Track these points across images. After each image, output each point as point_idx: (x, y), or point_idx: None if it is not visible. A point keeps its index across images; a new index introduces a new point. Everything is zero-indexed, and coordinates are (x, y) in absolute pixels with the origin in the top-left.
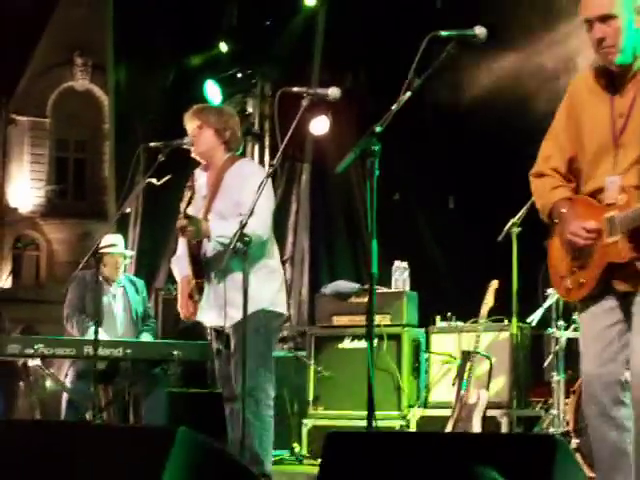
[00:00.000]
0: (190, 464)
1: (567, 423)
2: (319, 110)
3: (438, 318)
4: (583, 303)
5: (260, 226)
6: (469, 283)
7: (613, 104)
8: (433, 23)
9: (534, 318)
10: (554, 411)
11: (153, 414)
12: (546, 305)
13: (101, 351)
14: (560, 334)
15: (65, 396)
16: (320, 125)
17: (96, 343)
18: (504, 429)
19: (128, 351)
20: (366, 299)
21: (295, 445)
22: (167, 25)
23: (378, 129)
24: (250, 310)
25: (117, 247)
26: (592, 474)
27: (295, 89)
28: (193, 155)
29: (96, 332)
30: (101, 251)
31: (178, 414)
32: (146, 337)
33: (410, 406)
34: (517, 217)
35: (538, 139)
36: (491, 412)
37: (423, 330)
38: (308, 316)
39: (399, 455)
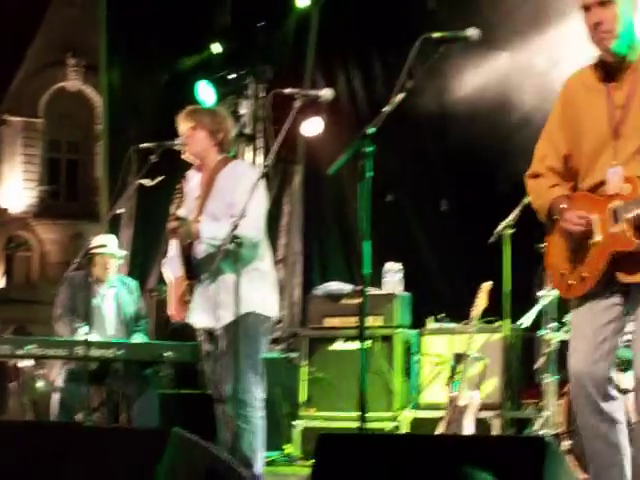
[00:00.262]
0: (182, 465)
1: (559, 425)
2: (312, 111)
3: (430, 320)
4: (581, 299)
5: (252, 228)
6: (461, 285)
7: (610, 96)
8: (426, 24)
9: (526, 320)
10: (546, 413)
11: (144, 415)
12: (538, 307)
13: (92, 352)
14: (552, 336)
15: (56, 397)
16: (313, 126)
17: (87, 344)
18: (496, 431)
19: (119, 352)
20: (358, 300)
21: (287, 446)
22: (160, 26)
23: (371, 130)
24: (240, 312)
25: (107, 247)
26: (584, 475)
27: (288, 90)
28: (185, 156)
29: (87, 333)
30: (91, 252)
31: (169, 415)
32: (138, 338)
33: (402, 408)
34: (509, 219)
35: (527, 138)
36: (483, 414)
37: (415, 332)
38: (300, 317)
39: (391, 457)
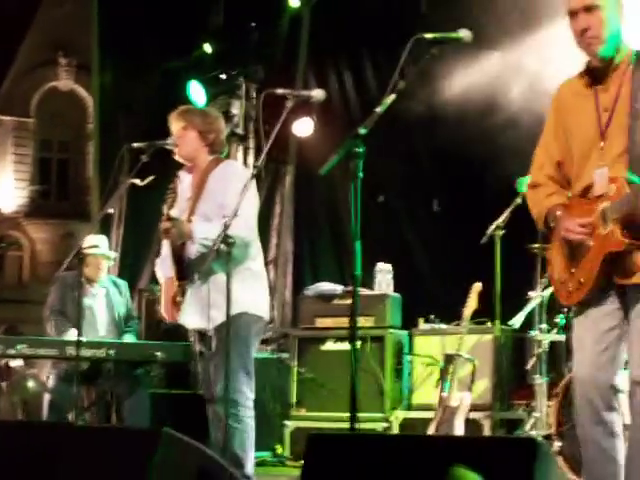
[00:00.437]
0: (173, 465)
1: (549, 426)
2: (303, 112)
3: (421, 320)
4: (582, 306)
5: (244, 228)
6: (452, 285)
7: (597, 99)
8: (418, 25)
9: (517, 321)
10: (536, 414)
11: (135, 415)
12: (529, 308)
13: (84, 352)
14: (543, 337)
15: (47, 397)
16: (304, 127)
17: (79, 344)
18: (486, 432)
19: (111, 352)
20: (349, 301)
21: (277, 447)
22: (152, 25)
23: (362, 131)
24: (232, 313)
25: (99, 248)
26: (574, 477)
27: (279, 91)
28: (176, 156)
29: (79, 333)
30: (83, 252)
31: (161, 415)
32: (129, 339)
33: (393, 408)
34: (500, 220)
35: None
36: (473, 414)
37: (406, 332)
38: (291, 318)
39: (381, 457)
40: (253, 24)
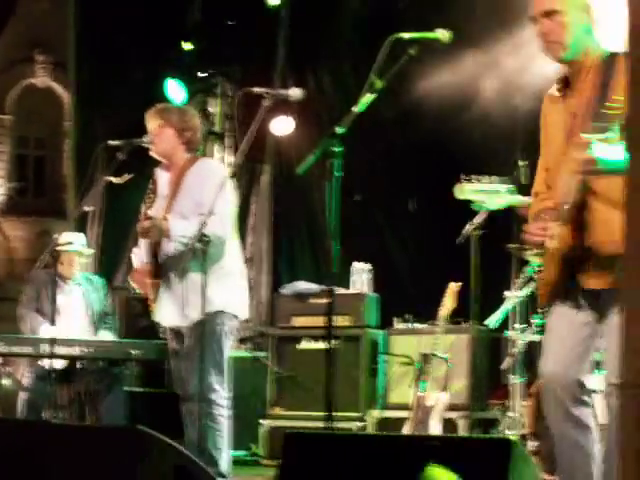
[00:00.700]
0: (148, 464)
1: (524, 426)
2: (281, 111)
3: (398, 320)
4: (555, 304)
5: (220, 226)
6: (429, 285)
7: (566, 105)
8: (395, 24)
9: (493, 321)
10: (512, 414)
11: (111, 413)
12: (505, 308)
13: (59, 350)
14: (518, 337)
15: (22, 395)
16: (282, 126)
17: (54, 342)
18: (462, 431)
19: (86, 350)
20: (326, 300)
21: (253, 446)
22: (130, 23)
23: (339, 130)
24: (207, 311)
25: (73, 245)
26: (549, 477)
27: (257, 89)
28: (152, 154)
29: (54, 331)
30: (57, 249)
31: (136, 414)
32: (105, 335)
33: (369, 407)
34: (476, 220)
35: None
36: (449, 414)
37: (383, 332)
38: (267, 316)
39: (357, 457)
40: (231, 22)
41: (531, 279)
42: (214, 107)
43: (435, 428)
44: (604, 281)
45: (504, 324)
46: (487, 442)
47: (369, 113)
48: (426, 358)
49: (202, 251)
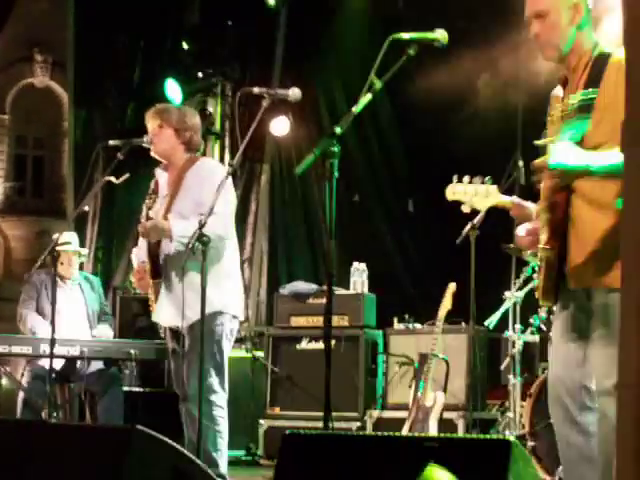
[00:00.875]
0: (146, 464)
1: (523, 426)
2: (280, 111)
3: (395, 320)
4: (557, 306)
5: (220, 226)
6: (428, 285)
7: (564, 104)
8: (395, 25)
9: (491, 321)
10: (510, 414)
11: (109, 413)
12: (503, 308)
13: (57, 350)
14: (517, 337)
15: (21, 395)
16: (280, 126)
17: (53, 342)
18: (460, 431)
19: (85, 350)
20: (324, 300)
21: (251, 446)
22: (128, 23)
23: (338, 130)
24: (206, 311)
25: (71, 245)
26: (547, 477)
27: (256, 89)
28: (152, 154)
29: (53, 331)
30: (56, 249)
31: (134, 413)
32: (103, 329)
33: (367, 408)
34: (475, 220)
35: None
36: (447, 414)
37: (381, 332)
38: (266, 316)
39: (355, 457)
40: (230, 22)
41: (530, 279)
42: (213, 107)
43: (433, 428)
44: (591, 280)
45: (503, 324)
46: (486, 442)
47: (368, 113)
48: (424, 358)
49: (202, 251)
